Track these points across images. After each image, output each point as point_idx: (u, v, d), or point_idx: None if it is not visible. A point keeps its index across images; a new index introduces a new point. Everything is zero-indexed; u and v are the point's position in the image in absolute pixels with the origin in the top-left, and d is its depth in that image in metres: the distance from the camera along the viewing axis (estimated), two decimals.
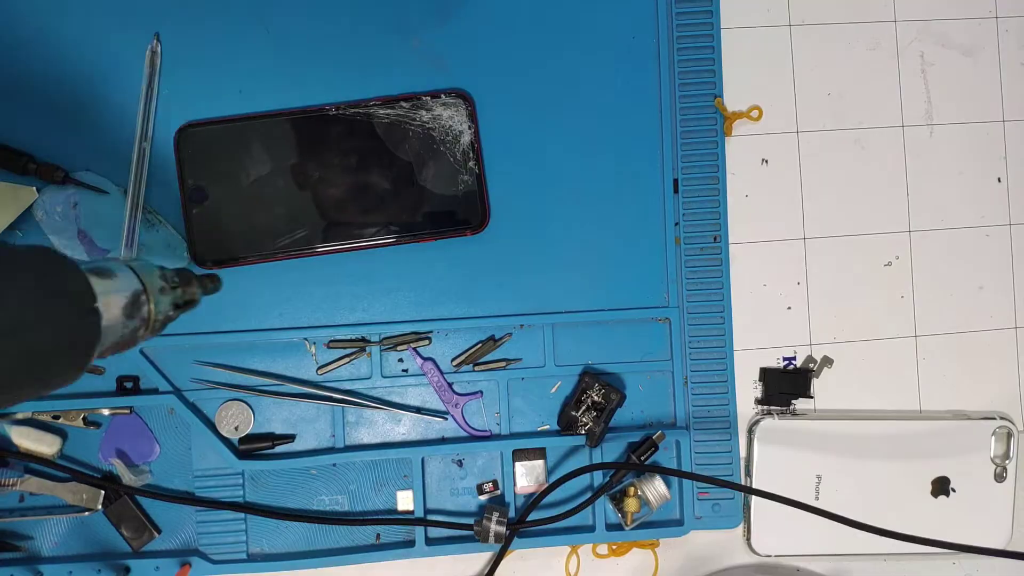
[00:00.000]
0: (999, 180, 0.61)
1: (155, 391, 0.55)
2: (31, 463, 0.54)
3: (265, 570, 0.56)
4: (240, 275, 0.55)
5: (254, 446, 0.56)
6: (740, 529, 0.58)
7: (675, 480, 0.57)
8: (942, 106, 0.60)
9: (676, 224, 0.58)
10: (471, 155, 0.55)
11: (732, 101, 0.59)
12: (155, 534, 0.55)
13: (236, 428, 0.56)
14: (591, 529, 0.57)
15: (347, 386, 0.56)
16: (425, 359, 0.57)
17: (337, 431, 0.56)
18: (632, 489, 0.56)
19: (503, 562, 0.57)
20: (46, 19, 0.55)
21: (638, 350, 0.58)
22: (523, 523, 0.55)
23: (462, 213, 0.55)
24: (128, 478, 0.54)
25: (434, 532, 0.56)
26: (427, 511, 0.57)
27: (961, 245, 0.60)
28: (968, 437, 0.59)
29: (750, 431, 0.58)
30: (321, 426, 0.57)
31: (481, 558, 0.58)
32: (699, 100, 0.58)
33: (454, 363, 0.57)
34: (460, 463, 0.57)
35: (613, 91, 0.57)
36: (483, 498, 0.57)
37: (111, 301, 0.37)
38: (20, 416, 0.55)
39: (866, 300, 0.60)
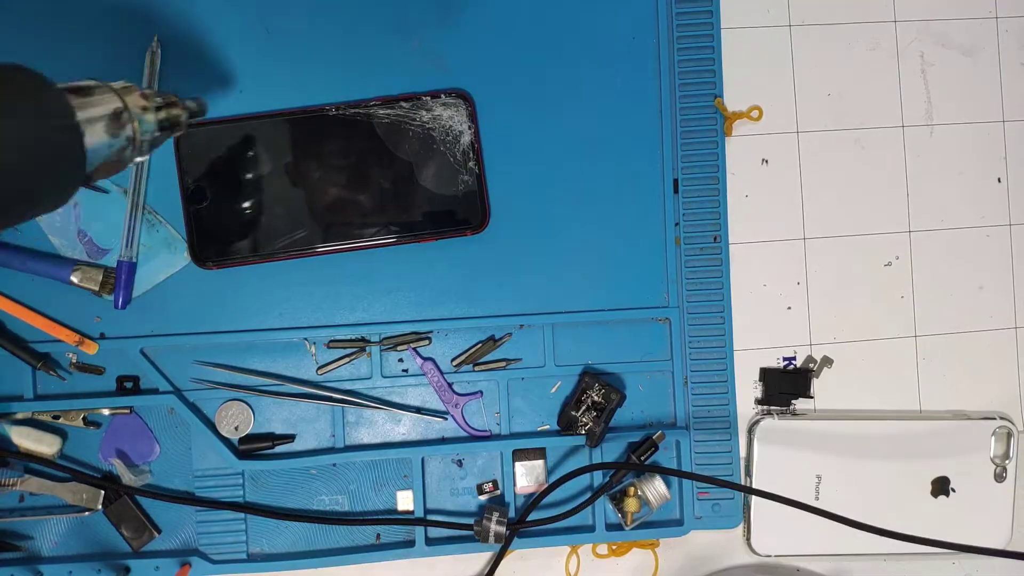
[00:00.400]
0: (999, 180, 0.61)
1: (155, 391, 0.55)
2: (31, 463, 0.54)
3: (265, 570, 0.56)
4: (240, 275, 0.55)
5: (254, 446, 0.56)
6: (740, 529, 0.58)
7: (675, 480, 0.57)
8: (942, 106, 0.60)
9: (676, 224, 0.58)
10: (471, 155, 0.55)
11: (732, 101, 0.59)
12: (155, 534, 0.55)
13: (236, 428, 0.56)
14: (591, 529, 0.57)
15: (347, 386, 0.56)
16: (425, 359, 0.57)
17: (337, 431, 0.56)
18: (632, 489, 0.56)
19: (503, 562, 0.57)
20: (46, 19, 0.55)
21: (638, 350, 0.58)
22: (523, 523, 0.55)
23: (462, 213, 0.55)
24: (128, 478, 0.54)
25: (434, 532, 0.56)
26: (427, 511, 0.57)
27: (961, 245, 0.60)
28: (968, 437, 0.59)
29: (750, 431, 0.58)
30: (321, 426, 0.57)
31: (481, 558, 0.58)
32: (699, 100, 0.58)
33: (454, 363, 0.57)
34: (460, 463, 0.57)
35: (613, 91, 0.57)
36: (483, 498, 0.57)
37: (92, 118, 0.37)
38: (20, 416, 0.55)
39: (866, 300, 0.60)
